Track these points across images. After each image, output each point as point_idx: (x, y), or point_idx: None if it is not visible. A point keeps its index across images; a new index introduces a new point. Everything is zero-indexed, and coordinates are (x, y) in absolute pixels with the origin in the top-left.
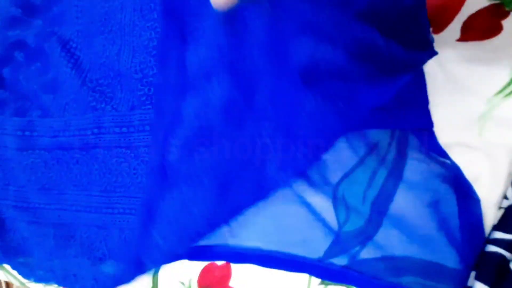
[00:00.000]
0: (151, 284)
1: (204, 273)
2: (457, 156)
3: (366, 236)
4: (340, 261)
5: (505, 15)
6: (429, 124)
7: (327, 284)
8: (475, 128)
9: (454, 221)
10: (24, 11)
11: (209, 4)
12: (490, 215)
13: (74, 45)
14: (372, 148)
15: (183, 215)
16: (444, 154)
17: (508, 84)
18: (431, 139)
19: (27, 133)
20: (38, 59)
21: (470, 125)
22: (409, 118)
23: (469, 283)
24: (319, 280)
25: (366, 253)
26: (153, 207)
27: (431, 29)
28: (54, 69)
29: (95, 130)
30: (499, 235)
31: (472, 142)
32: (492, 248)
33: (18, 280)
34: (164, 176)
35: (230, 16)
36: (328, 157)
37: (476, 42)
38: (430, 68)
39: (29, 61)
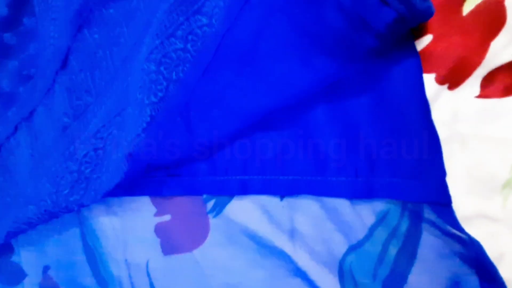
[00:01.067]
0: None
1: None
2: (478, 230)
3: None
4: None
5: None
6: (446, 198)
7: None
8: (499, 198)
9: None
10: None
11: None
12: None
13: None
14: (382, 218)
15: None
16: (462, 230)
17: None
18: (448, 213)
19: None
20: (13, 104)
21: (493, 194)
22: (423, 191)
23: None
24: None
25: None
26: None
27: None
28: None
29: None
30: None
31: (495, 214)
32: None
33: None
34: None
35: None
36: (332, 225)
37: (498, 100)
38: (446, 131)
39: (4, 106)
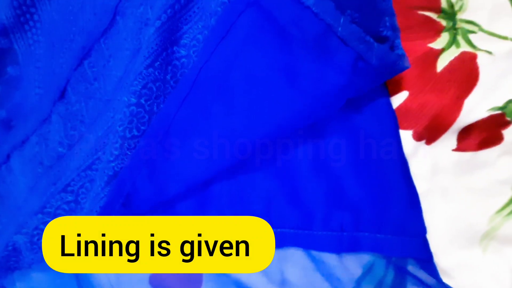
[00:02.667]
0: None
1: None
2: (460, 279)
3: None
4: None
5: (506, 124)
6: (428, 255)
7: None
8: (479, 248)
9: None
10: None
11: None
12: None
13: None
14: (368, 270)
15: None
16: (443, 283)
17: (510, 202)
18: (430, 266)
19: None
20: None
21: (473, 245)
22: (405, 248)
23: None
24: None
25: None
26: None
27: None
28: None
29: None
30: None
31: (476, 263)
32: None
33: None
34: None
35: None
36: (321, 277)
37: (474, 153)
38: (427, 184)
39: None
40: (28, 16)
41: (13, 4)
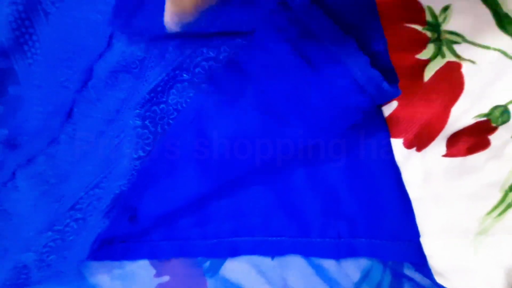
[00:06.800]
0: None
1: None
2: (454, 280)
3: None
4: None
5: (492, 130)
6: (422, 258)
7: None
8: (470, 249)
9: None
10: None
11: None
12: None
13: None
14: (366, 274)
15: None
16: (438, 284)
17: (499, 204)
18: (425, 270)
19: None
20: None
21: (465, 246)
22: (400, 252)
23: None
24: None
25: None
26: None
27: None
28: None
29: None
30: None
31: (468, 264)
32: None
33: None
34: None
35: None
36: (321, 282)
37: (463, 158)
38: (420, 191)
39: None
40: (27, 36)
41: (12, 26)
